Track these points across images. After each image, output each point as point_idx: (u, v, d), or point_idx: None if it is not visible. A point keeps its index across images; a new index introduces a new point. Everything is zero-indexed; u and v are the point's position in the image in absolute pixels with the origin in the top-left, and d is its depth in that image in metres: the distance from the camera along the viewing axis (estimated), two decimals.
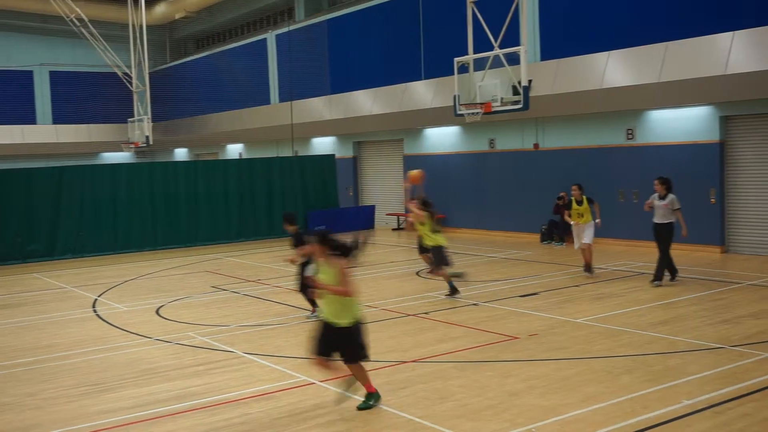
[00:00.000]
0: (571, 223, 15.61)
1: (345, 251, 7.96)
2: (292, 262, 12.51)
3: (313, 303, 12.29)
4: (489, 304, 13.18)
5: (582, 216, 15.35)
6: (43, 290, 16.92)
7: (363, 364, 7.97)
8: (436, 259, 14.01)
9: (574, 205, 15.42)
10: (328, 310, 7.85)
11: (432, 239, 14.02)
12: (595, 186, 19.70)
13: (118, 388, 9.17)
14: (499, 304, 13.16)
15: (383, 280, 16.54)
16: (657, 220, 14.19)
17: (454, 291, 13.92)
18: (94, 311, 14.16)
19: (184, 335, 11.76)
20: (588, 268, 15.64)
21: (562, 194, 20.94)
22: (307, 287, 11.70)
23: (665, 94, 18.30)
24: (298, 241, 12.33)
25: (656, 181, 14.28)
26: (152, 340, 11.60)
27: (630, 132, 19.83)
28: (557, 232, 21.13)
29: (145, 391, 8.97)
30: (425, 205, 14.26)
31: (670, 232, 14.12)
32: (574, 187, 15.50)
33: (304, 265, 12.10)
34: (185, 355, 10.60)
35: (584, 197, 15.37)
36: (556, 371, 9.04)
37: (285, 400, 8.33)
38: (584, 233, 15.37)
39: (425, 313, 12.61)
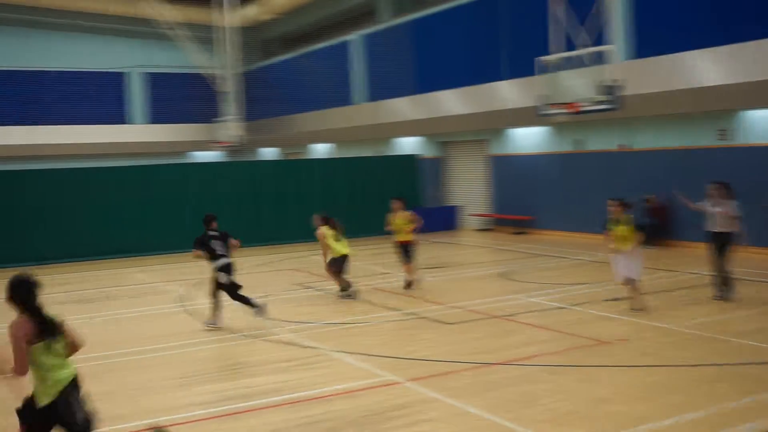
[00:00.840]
0: (611, 248, 12.47)
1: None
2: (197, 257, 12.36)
3: (240, 300, 12.40)
4: (576, 307, 12.94)
5: (624, 240, 12.25)
6: (134, 285, 17.44)
7: None
8: (338, 267, 14.50)
9: (613, 225, 12.40)
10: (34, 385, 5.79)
11: (336, 250, 14.50)
12: (685, 188, 19.09)
13: (205, 382, 9.39)
14: (587, 307, 12.91)
15: (468, 281, 16.45)
16: (714, 228, 12.90)
17: (347, 292, 14.53)
18: (182, 306, 14.51)
19: (271, 332, 11.94)
20: (636, 304, 12.38)
21: (649, 196, 20.44)
22: (224, 289, 12.22)
23: (761, 93, 17.60)
24: (196, 243, 12.35)
25: (711, 186, 13.02)
26: (239, 336, 11.82)
27: (723, 132, 19.17)
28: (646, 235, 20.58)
29: (231, 386, 9.15)
30: (327, 221, 14.75)
31: (730, 241, 12.90)
32: (610, 203, 12.43)
33: (220, 269, 12.20)
34: (271, 352, 10.77)
35: (625, 216, 12.31)
36: (644, 377, 8.81)
37: (370, 399, 8.37)
38: (629, 264, 12.24)
39: (511, 315, 12.47)
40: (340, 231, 14.74)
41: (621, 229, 12.22)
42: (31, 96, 39.08)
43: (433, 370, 9.42)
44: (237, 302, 12.47)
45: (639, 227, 12.40)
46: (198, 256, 12.29)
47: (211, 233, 12.32)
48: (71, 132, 39.21)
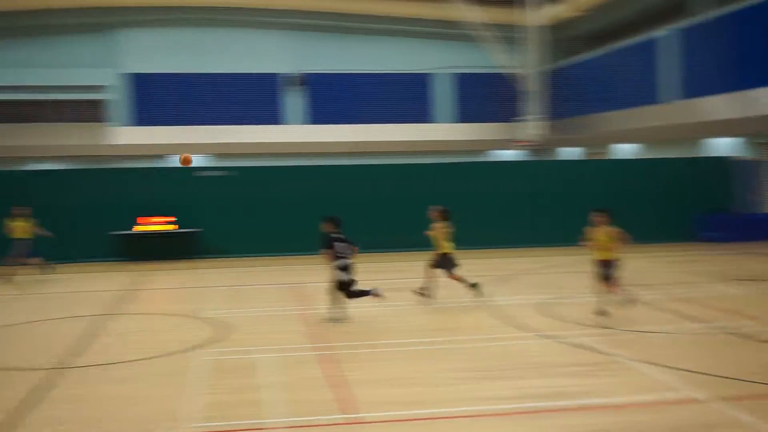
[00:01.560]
0: None
1: None
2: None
3: (355, 295, 12.84)
4: None
5: None
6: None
7: None
8: (448, 264, 14.49)
9: None
10: None
11: (445, 246, 14.50)
12: None
13: (497, 378, 9.35)
14: None
15: None
16: None
17: (474, 286, 14.49)
18: (481, 301, 14.58)
19: (566, 333, 11.63)
20: None
21: None
22: (342, 287, 12.71)
23: None
24: (323, 244, 12.77)
25: None
26: (534, 335, 11.66)
27: None
28: None
29: (524, 384, 9.03)
30: (445, 214, 14.66)
31: None
32: None
33: (341, 269, 12.66)
34: (566, 354, 10.48)
35: None
36: None
37: (670, 414, 7.78)
38: None
39: None
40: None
41: None
42: (350, 97, 41.99)
43: (744, 390, 8.54)
44: (353, 298, 12.94)
45: None
46: (326, 258, 12.80)
47: (335, 235, 12.81)
48: (383, 130, 41.52)
